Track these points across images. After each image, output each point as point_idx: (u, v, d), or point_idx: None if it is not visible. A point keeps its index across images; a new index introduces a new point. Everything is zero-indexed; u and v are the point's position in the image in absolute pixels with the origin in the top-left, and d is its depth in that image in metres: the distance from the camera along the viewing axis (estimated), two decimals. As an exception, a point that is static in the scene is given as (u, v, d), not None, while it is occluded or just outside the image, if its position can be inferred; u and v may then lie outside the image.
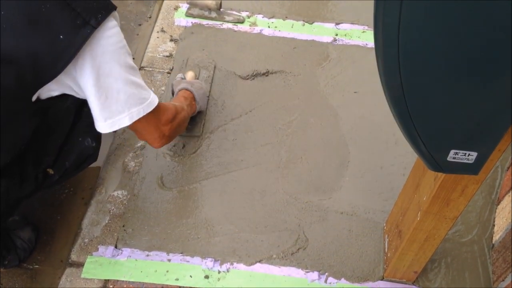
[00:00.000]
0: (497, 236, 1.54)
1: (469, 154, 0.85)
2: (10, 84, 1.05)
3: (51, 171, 1.39)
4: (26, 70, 1.05)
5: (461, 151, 0.85)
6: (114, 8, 1.13)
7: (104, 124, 1.20)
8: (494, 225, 1.60)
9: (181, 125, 1.49)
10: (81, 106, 1.39)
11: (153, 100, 1.26)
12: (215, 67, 1.97)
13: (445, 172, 0.93)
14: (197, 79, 1.88)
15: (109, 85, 1.15)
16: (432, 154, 0.86)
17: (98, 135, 1.46)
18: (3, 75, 1.03)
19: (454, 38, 0.69)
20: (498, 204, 1.63)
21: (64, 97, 1.21)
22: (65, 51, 1.06)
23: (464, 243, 1.57)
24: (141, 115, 1.23)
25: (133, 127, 1.27)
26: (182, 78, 1.77)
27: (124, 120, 1.21)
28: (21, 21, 1.02)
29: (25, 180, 1.33)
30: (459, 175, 1.05)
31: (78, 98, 1.24)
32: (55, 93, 1.17)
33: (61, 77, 1.11)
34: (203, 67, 1.96)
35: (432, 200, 1.14)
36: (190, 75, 1.82)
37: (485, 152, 0.86)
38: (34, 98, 1.12)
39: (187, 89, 1.68)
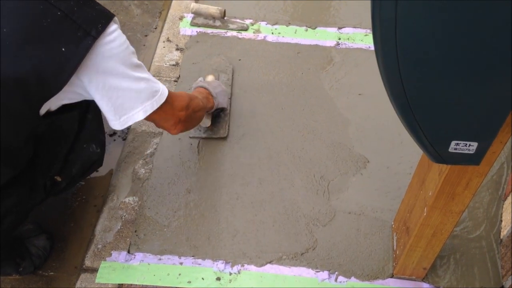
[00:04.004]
0: (505, 231, 1.55)
1: (469, 145, 0.87)
2: (16, 104, 1.08)
3: (58, 178, 1.41)
4: (31, 88, 1.08)
5: (462, 142, 0.87)
6: (113, 15, 1.16)
7: (118, 122, 1.25)
8: (501, 221, 1.61)
9: (196, 112, 1.51)
10: (84, 114, 1.41)
11: (163, 92, 1.30)
12: (233, 70, 2.02)
13: (448, 164, 0.95)
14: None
15: (117, 85, 1.19)
16: (434, 146, 0.89)
17: (103, 141, 1.49)
18: (12, 97, 1.06)
19: (450, 30, 0.71)
20: (505, 200, 1.64)
21: (71, 108, 1.25)
22: (67, 64, 1.08)
23: (472, 239, 1.58)
24: (155, 108, 1.27)
25: (150, 118, 1.31)
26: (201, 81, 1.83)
27: (138, 115, 1.25)
28: (22, 38, 1.04)
29: (34, 189, 1.35)
30: (463, 169, 1.07)
31: (82, 106, 1.29)
32: (65, 101, 1.21)
33: (67, 87, 1.13)
34: (222, 71, 1.99)
35: (438, 194, 1.16)
36: (209, 78, 1.88)
37: (485, 142, 0.88)
38: (43, 111, 1.15)
39: (202, 87, 1.73)
